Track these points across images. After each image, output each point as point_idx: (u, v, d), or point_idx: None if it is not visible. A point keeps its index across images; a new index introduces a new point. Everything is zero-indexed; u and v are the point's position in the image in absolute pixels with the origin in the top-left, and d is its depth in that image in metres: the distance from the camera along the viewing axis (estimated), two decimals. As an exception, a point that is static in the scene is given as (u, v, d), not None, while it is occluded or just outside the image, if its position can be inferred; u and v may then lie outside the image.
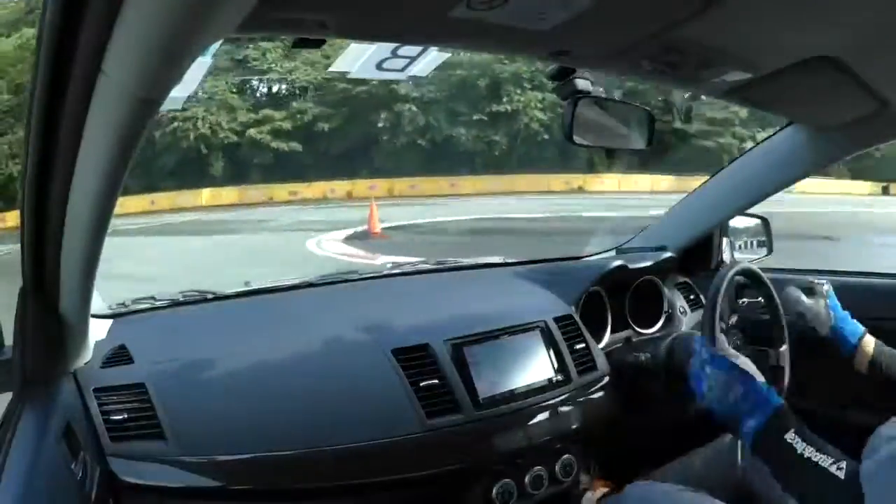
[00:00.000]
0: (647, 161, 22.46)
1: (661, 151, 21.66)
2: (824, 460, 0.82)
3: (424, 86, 24.06)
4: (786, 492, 0.87)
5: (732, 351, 1.05)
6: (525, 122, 24.47)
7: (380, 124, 24.52)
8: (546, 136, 24.30)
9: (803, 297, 1.20)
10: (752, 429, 0.89)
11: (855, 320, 1.22)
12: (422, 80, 22.03)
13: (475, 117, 24.46)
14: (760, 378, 0.96)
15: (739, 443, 1.29)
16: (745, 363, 1.00)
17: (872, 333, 1.23)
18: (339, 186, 22.45)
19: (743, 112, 22.79)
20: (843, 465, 0.80)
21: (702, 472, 1.32)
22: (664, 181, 21.76)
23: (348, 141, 23.85)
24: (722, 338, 1.08)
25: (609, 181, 23.24)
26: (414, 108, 24.48)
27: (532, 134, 24.57)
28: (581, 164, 23.63)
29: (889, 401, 1.02)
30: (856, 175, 22.64)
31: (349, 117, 23.96)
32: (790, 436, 0.85)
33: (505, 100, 24.46)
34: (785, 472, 0.86)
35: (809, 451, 0.83)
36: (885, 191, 22.35)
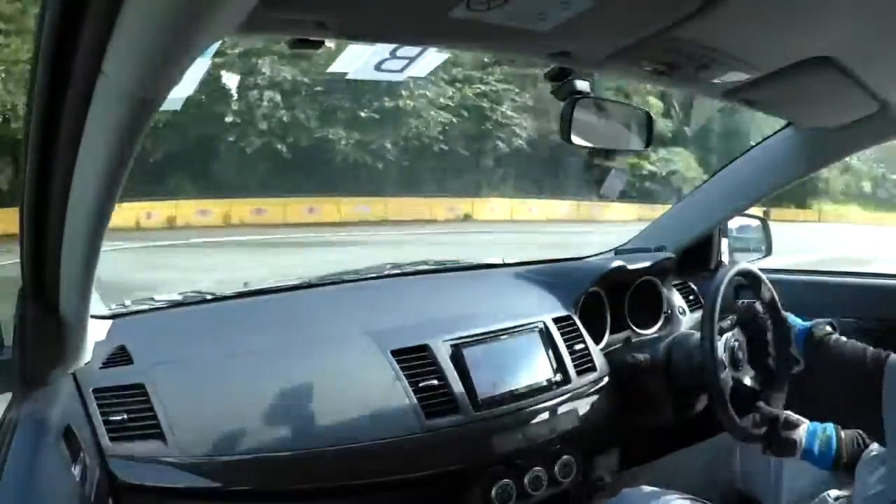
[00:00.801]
0: (542, 183, 20.17)
1: (560, 172, 19.59)
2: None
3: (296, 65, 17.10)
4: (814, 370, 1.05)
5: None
6: (417, 126, 19.05)
7: (228, 119, 17.00)
8: (444, 146, 19.35)
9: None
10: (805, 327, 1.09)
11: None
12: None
13: (362, 114, 18.23)
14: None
15: (737, 447, 1.29)
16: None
17: (874, 333, 1.23)
18: (159, 208, 15.39)
19: (662, 124, 21.32)
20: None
21: (698, 476, 1.32)
22: (563, 208, 19.66)
23: (177, 143, 16.13)
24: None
25: (500, 207, 19.59)
26: (275, 98, 17.32)
27: (426, 143, 19.23)
28: (471, 185, 19.84)
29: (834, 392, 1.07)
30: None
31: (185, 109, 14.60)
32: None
33: (405, 93, 18.47)
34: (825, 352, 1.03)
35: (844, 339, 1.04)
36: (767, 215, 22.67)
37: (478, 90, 20.29)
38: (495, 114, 20.63)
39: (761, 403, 1.09)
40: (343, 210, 17.22)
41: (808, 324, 1.12)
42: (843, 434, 1.06)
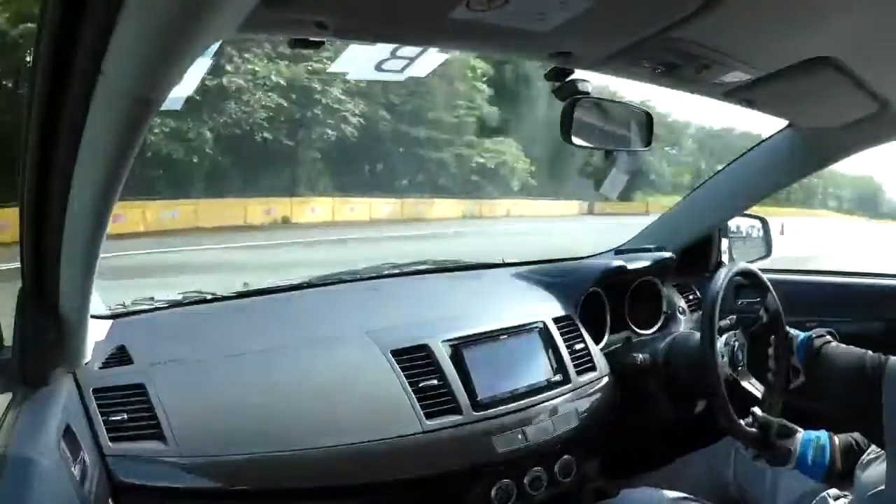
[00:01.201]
0: (366, 179, 17.72)
1: (385, 166, 17.55)
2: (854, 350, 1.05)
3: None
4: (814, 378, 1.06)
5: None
6: (239, 110, 15.98)
7: None
8: (267, 135, 16.56)
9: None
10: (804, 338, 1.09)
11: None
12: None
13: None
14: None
15: (733, 450, 1.29)
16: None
17: (873, 334, 1.23)
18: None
19: (487, 109, 19.73)
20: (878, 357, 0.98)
21: (696, 477, 1.32)
22: (386, 207, 17.43)
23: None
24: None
25: (321, 208, 17.00)
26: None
27: (248, 131, 16.27)
28: (291, 181, 17.29)
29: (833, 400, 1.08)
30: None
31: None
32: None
33: (230, 68, 15.66)
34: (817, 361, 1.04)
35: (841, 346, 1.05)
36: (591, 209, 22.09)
37: (309, 67, 16.75)
38: (326, 97, 17.56)
39: (756, 410, 1.08)
40: (148, 217, 13.58)
41: (806, 334, 1.12)
42: (837, 442, 1.04)
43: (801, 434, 1.05)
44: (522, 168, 20.94)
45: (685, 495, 1.12)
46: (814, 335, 1.11)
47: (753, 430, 1.07)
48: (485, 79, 20.34)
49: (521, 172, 20.84)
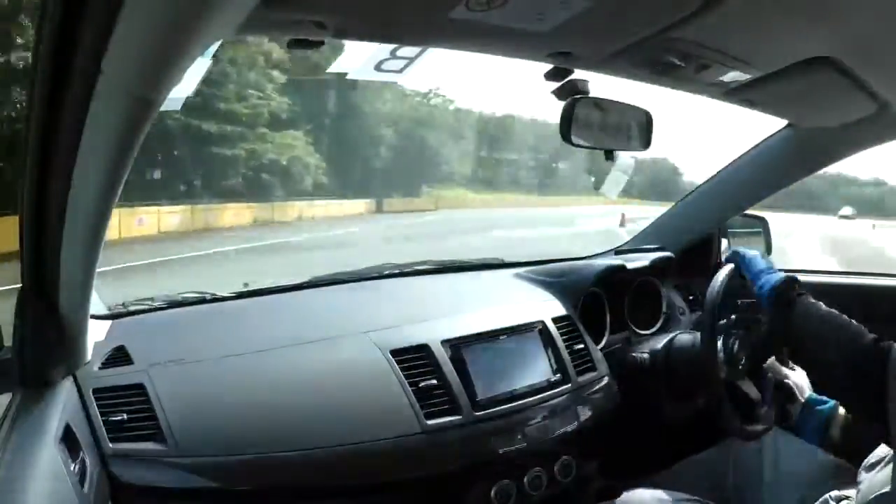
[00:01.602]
0: (153, 183, 13.76)
1: (173, 169, 14.29)
2: (853, 325, 0.94)
3: None
4: (804, 338, 0.99)
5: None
6: None
7: None
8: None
9: (787, 370, 1.19)
10: (772, 280, 1.03)
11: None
12: None
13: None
14: None
15: (731, 452, 1.29)
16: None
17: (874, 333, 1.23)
18: None
19: (278, 100, 17.64)
20: (873, 336, 0.91)
21: (695, 478, 1.32)
22: (175, 216, 14.00)
23: None
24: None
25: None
26: None
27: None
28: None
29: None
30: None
31: None
32: (810, 300, 0.98)
33: None
34: (807, 321, 0.97)
35: (835, 315, 0.95)
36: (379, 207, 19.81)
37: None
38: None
39: (770, 374, 1.14)
40: None
41: (772, 279, 1.07)
42: (840, 412, 1.06)
43: (807, 395, 1.09)
44: (312, 163, 18.96)
45: (687, 496, 1.11)
46: (783, 282, 1.04)
47: (753, 429, 1.07)
48: (279, 66, 18.08)
49: (313, 169, 18.93)
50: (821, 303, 1.01)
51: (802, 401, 1.13)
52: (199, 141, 16.23)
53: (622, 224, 17.09)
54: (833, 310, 0.99)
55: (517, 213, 20.47)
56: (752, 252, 1.12)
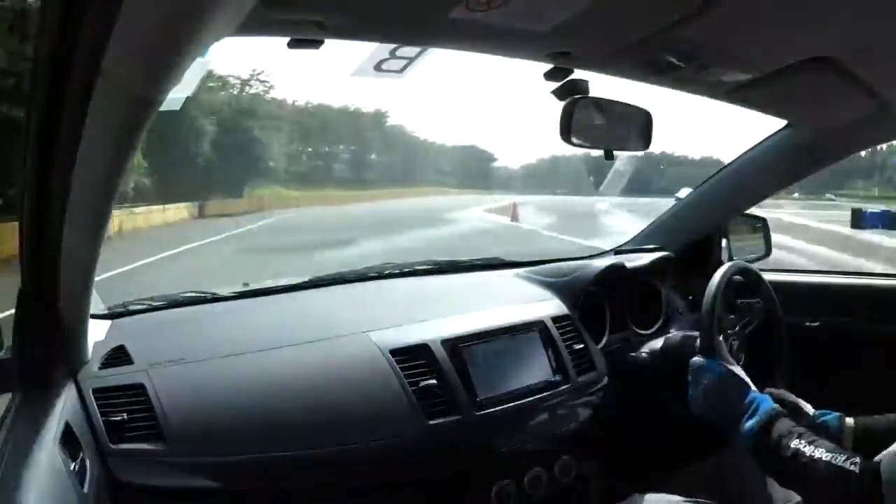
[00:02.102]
0: None
1: None
2: (835, 458, 0.81)
3: None
4: (790, 488, 0.87)
5: (729, 358, 1.03)
6: None
7: None
8: None
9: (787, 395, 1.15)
10: (750, 430, 0.89)
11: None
12: None
13: None
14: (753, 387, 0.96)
15: (732, 452, 1.29)
16: (739, 371, 0.99)
17: (875, 333, 1.23)
18: None
19: None
20: (857, 459, 0.80)
21: (697, 479, 1.32)
22: None
23: None
24: (721, 343, 1.06)
25: None
26: None
27: None
28: None
29: None
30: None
31: None
32: (794, 441, 0.84)
33: None
34: (789, 472, 0.85)
35: (819, 452, 0.83)
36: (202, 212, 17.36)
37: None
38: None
39: (772, 390, 1.08)
40: None
41: (748, 426, 0.92)
42: (849, 423, 1.03)
43: (812, 414, 1.06)
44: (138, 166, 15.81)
45: (694, 500, 1.11)
46: (761, 430, 0.90)
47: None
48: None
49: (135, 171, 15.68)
50: (804, 436, 0.87)
51: (810, 416, 1.09)
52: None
53: (514, 218, 16.59)
54: (817, 443, 0.85)
55: (375, 208, 19.64)
56: (709, 373, 0.98)
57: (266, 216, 17.93)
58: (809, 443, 0.84)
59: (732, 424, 0.92)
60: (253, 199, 21.51)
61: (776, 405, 0.91)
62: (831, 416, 1.08)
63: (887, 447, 0.91)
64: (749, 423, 0.89)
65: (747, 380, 0.97)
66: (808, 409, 1.11)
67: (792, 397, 1.13)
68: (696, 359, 1.01)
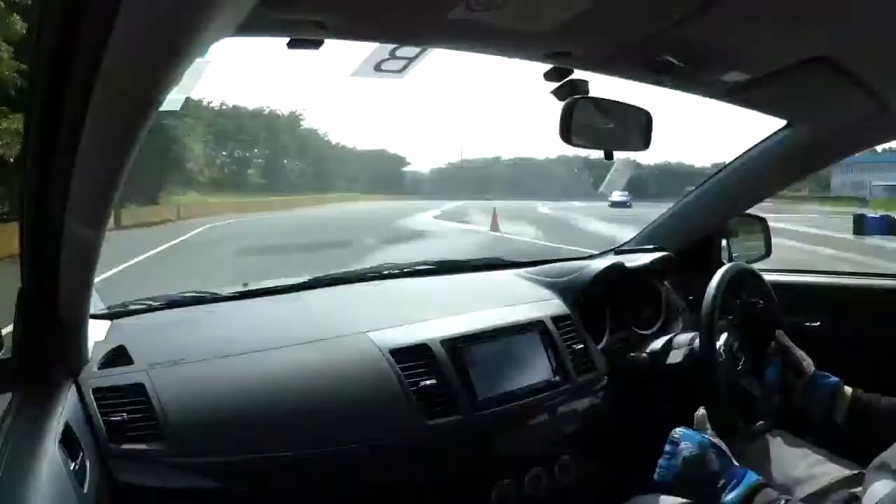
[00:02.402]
0: None
1: None
2: None
3: None
4: None
5: (710, 430, 0.99)
6: None
7: None
8: None
9: (792, 345, 1.17)
10: (734, 499, 0.87)
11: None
12: None
13: None
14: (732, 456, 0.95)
15: (733, 452, 1.29)
16: (720, 442, 0.96)
17: (876, 333, 1.23)
18: None
19: None
20: None
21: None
22: None
23: None
24: (703, 417, 1.01)
25: None
26: None
27: None
28: None
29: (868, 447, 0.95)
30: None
31: None
32: None
33: None
34: None
35: None
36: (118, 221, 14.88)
37: None
38: None
39: (775, 346, 1.13)
40: None
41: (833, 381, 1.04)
42: (846, 392, 1.07)
43: (811, 374, 1.10)
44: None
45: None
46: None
47: (754, 428, 1.07)
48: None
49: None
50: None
51: (809, 374, 1.13)
52: None
53: (494, 227, 14.84)
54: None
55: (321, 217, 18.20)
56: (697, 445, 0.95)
57: (191, 226, 16.53)
58: None
59: (712, 498, 0.89)
60: (171, 206, 20.35)
61: (758, 477, 0.89)
62: (829, 381, 1.11)
63: (879, 427, 0.96)
64: (730, 497, 0.87)
65: (728, 452, 0.94)
66: (809, 366, 1.13)
67: (797, 352, 1.15)
68: (679, 429, 0.98)
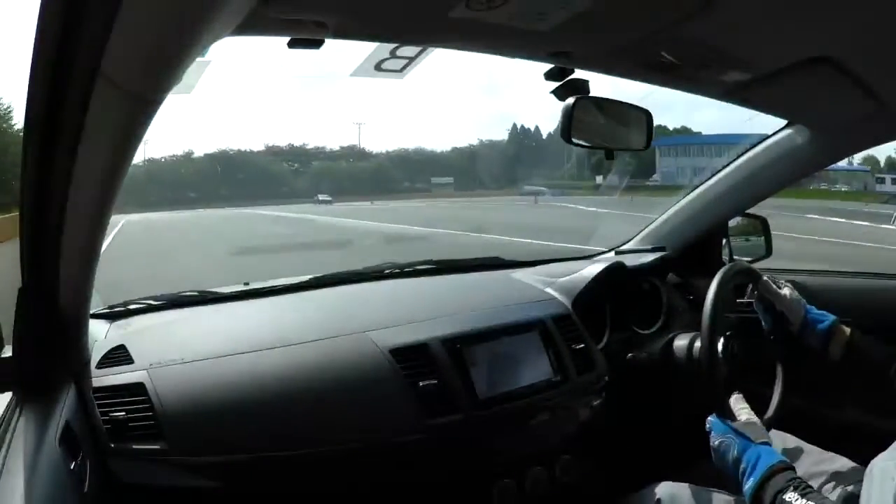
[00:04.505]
0: None
1: None
2: None
3: None
4: None
5: (733, 410, 1.02)
6: None
7: None
8: None
9: (782, 290, 1.20)
10: (749, 491, 0.91)
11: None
12: None
13: None
14: (756, 433, 0.97)
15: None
16: (746, 424, 0.99)
17: (877, 333, 1.23)
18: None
19: None
20: None
21: (697, 480, 1.32)
22: None
23: None
24: (725, 398, 1.04)
25: None
26: None
27: None
28: None
29: (865, 390, 1.05)
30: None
31: None
32: (788, 495, 0.87)
33: None
34: None
35: None
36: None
37: None
38: None
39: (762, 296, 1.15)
40: None
41: (749, 485, 0.96)
42: (843, 331, 1.10)
43: (805, 313, 1.14)
44: None
45: (716, 489, 1.11)
46: (758, 487, 0.92)
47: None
48: None
49: None
50: (798, 489, 0.88)
51: (802, 314, 1.16)
52: None
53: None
54: (809, 496, 0.86)
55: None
56: (727, 435, 0.98)
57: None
58: (802, 495, 0.86)
59: (738, 482, 0.95)
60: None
61: (776, 460, 0.92)
62: (825, 322, 1.13)
63: (870, 366, 1.03)
64: (748, 483, 0.92)
65: (750, 433, 0.97)
66: (800, 310, 1.15)
67: (787, 294, 1.17)
68: (710, 418, 1.04)
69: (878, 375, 1.04)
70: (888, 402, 1.06)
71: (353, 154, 41.42)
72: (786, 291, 1.18)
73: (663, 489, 1.12)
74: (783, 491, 0.88)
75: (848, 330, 1.13)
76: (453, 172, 37.99)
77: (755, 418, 1.01)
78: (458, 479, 1.15)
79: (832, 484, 1.07)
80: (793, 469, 0.91)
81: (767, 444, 0.96)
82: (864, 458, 0.97)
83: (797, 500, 0.86)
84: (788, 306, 1.17)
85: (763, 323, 1.20)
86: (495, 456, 1.17)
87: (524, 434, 1.20)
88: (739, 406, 1.03)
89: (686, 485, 1.11)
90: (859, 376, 1.09)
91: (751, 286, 1.20)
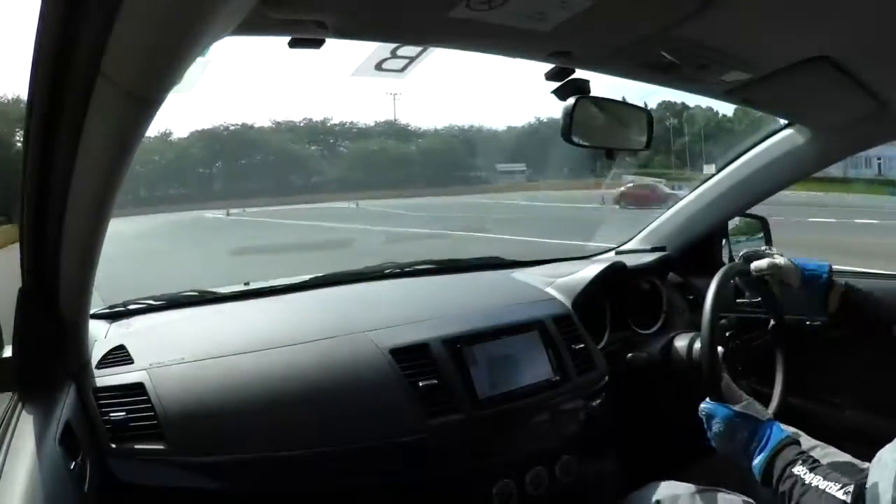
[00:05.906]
0: None
1: None
2: (831, 487, 0.84)
3: None
4: None
5: (735, 393, 1.03)
6: None
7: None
8: None
9: (774, 259, 1.21)
10: (759, 465, 0.93)
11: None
12: None
13: None
14: (761, 412, 0.98)
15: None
16: (748, 405, 1.00)
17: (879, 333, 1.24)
18: None
19: None
20: (850, 488, 0.82)
21: (697, 479, 1.32)
22: None
23: None
24: (727, 382, 1.05)
25: None
26: None
27: None
28: None
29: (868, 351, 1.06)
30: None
31: None
32: (797, 468, 0.88)
33: None
34: (788, 498, 0.89)
35: (816, 480, 0.85)
36: None
37: None
38: None
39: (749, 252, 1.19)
40: None
41: (758, 463, 0.97)
42: (837, 284, 1.15)
43: (800, 273, 1.16)
44: None
45: (714, 488, 1.11)
46: (767, 464, 0.94)
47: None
48: None
49: None
50: (806, 462, 0.90)
51: (799, 273, 1.18)
52: None
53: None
54: (817, 470, 0.88)
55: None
56: (723, 419, 1.00)
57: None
58: (810, 469, 0.87)
59: (747, 462, 0.96)
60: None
61: (785, 435, 0.94)
62: (822, 275, 1.17)
63: (866, 315, 1.08)
64: (758, 459, 0.93)
65: (755, 413, 0.98)
66: (796, 270, 1.17)
67: (779, 260, 1.19)
68: (704, 405, 1.03)
69: (876, 331, 1.10)
70: (887, 400, 1.06)
71: (391, 132, 29.91)
72: (777, 259, 1.20)
73: (663, 489, 1.11)
74: (792, 464, 0.89)
75: (843, 282, 1.17)
76: (522, 158, 28.39)
77: (752, 399, 1.02)
78: (459, 479, 1.15)
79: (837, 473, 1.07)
80: (799, 444, 0.93)
81: (773, 420, 0.97)
82: (864, 459, 0.97)
83: (805, 473, 0.87)
84: (784, 270, 1.19)
85: (765, 308, 1.22)
86: (495, 456, 1.17)
87: (524, 434, 1.20)
88: (732, 389, 1.04)
89: (686, 485, 1.11)
90: (859, 335, 1.14)
91: (745, 278, 1.22)
